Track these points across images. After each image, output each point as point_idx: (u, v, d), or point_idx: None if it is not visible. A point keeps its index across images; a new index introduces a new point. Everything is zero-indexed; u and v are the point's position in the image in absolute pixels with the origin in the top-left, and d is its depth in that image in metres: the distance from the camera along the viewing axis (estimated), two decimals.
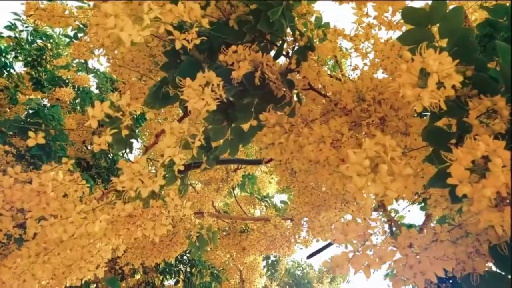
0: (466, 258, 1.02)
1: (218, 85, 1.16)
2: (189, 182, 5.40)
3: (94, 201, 1.41)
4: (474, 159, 0.81)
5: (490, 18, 1.52)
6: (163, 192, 1.70)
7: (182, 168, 1.46)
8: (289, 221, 4.59)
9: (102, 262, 1.70)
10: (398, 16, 1.55)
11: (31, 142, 1.40)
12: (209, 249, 5.72)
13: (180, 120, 1.75)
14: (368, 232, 0.95)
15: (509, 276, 1.00)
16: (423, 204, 4.03)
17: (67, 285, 1.70)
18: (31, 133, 1.42)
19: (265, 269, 6.87)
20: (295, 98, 1.58)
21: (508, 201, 0.82)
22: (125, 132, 1.31)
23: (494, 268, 1.04)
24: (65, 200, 1.40)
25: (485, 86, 1.05)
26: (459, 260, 1.03)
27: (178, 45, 1.26)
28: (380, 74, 1.81)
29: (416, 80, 0.88)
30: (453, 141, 1.16)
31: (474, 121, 1.01)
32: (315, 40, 1.79)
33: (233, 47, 1.40)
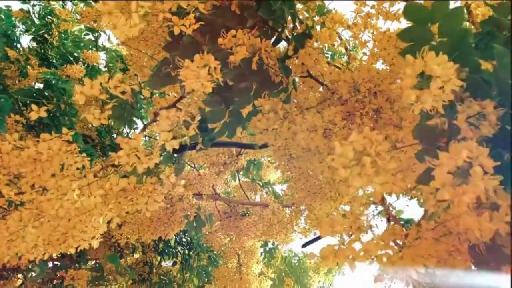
0: (447, 256, 1.04)
1: (215, 68, 1.18)
2: (193, 165, 5.46)
3: (91, 175, 1.45)
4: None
5: (493, 16, 1.52)
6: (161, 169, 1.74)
7: (177, 146, 1.50)
8: (288, 208, 4.64)
9: (97, 233, 1.75)
10: (395, 7, 1.56)
11: (33, 116, 1.44)
12: (207, 232, 5.82)
13: (178, 100, 1.78)
14: (355, 226, 0.97)
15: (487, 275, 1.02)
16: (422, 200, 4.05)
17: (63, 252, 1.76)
18: (34, 106, 1.46)
19: (262, 256, 6.95)
20: (291, 85, 1.60)
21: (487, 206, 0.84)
22: (108, 113, 1.35)
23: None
24: (62, 174, 1.45)
25: (477, 89, 1.06)
26: (440, 258, 1.05)
27: (176, 31, 1.29)
28: (380, 65, 1.82)
29: (416, 82, 0.89)
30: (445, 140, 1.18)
31: (462, 124, 1.02)
32: (317, 27, 1.80)
33: (232, 32, 1.42)
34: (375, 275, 0.91)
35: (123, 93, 1.58)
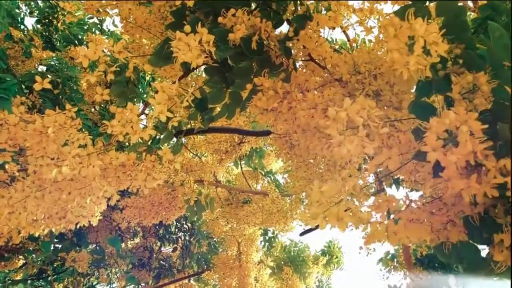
0: (442, 228, 1.06)
1: (208, 41, 1.19)
2: (195, 152, 5.48)
3: (91, 147, 1.47)
4: (451, 130, 0.84)
5: (492, 1, 1.52)
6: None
7: (176, 124, 1.52)
8: (289, 198, 4.67)
9: (97, 211, 1.78)
10: None
11: (37, 86, 1.45)
12: (207, 219, 5.86)
13: (180, 79, 1.79)
14: (345, 190, 0.98)
15: (480, 246, 1.04)
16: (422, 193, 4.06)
17: (63, 230, 1.78)
18: (37, 77, 1.46)
19: (262, 244, 7.00)
20: (291, 66, 1.60)
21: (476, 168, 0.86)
22: (110, 76, 1.35)
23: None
24: (64, 147, 1.47)
25: (472, 64, 1.08)
26: (434, 229, 1.07)
27: (178, 2, 1.30)
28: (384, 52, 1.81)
29: (404, 47, 0.90)
30: None
31: (456, 95, 1.04)
32: (323, 10, 1.80)
33: (232, 10, 1.43)
34: (365, 238, 0.92)
35: (126, 69, 1.59)
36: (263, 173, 6.53)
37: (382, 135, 0.88)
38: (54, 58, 4.38)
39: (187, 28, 1.19)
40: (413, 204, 1.02)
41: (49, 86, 1.46)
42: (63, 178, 1.32)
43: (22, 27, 4.66)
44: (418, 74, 0.90)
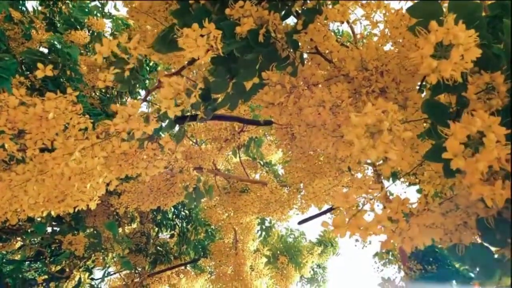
0: (454, 230, 1.06)
1: (215, 37, 1.17)
2: (195, 139, 5.47)
3: (93, 137, 1.45)
4: (469, 134, 0.83)
5: (501, 1, 1.50)
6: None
7: (178, 113, 1.50)
8: (286, 188, 4.67)
9: (96, 195, 1.77)
10: None
11: (39, 74, 1.43)
12: (205, 207, 5.87)
13: (182, 69, 1.77)
14: (368, 197, 0.97)
15: (493, 249, 1.04)
16: (419, 187, 4.07)
17: (61, 214, 1.78)
18: (39, 65, 1.44)
19: (259, 233, 7.03)
20: (298, 59, 1.59)
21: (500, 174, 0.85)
22: (127, 73, 1.34)
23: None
24: (65, 134, 1.45)
25: (487, 63, 1.06)
26: (447, 231, 1.07)
27: None
28: (389, 47, 1.80)
29: (433, 52, 0.87)
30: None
31: (472, 96, 1.02)
32: (329, 4, 1.78)
33: (240, 2, 1.41)
34: (383, 242, 0.92)
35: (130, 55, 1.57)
36: (262, 163, 6.54)
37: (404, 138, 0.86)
38: (54, 38, 4.32)
39: (195, 25, 1.17)
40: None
41: (51, 74, 1.44)
42: (70, 171, 1.31)
43: (23, 9, 4.59)
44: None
